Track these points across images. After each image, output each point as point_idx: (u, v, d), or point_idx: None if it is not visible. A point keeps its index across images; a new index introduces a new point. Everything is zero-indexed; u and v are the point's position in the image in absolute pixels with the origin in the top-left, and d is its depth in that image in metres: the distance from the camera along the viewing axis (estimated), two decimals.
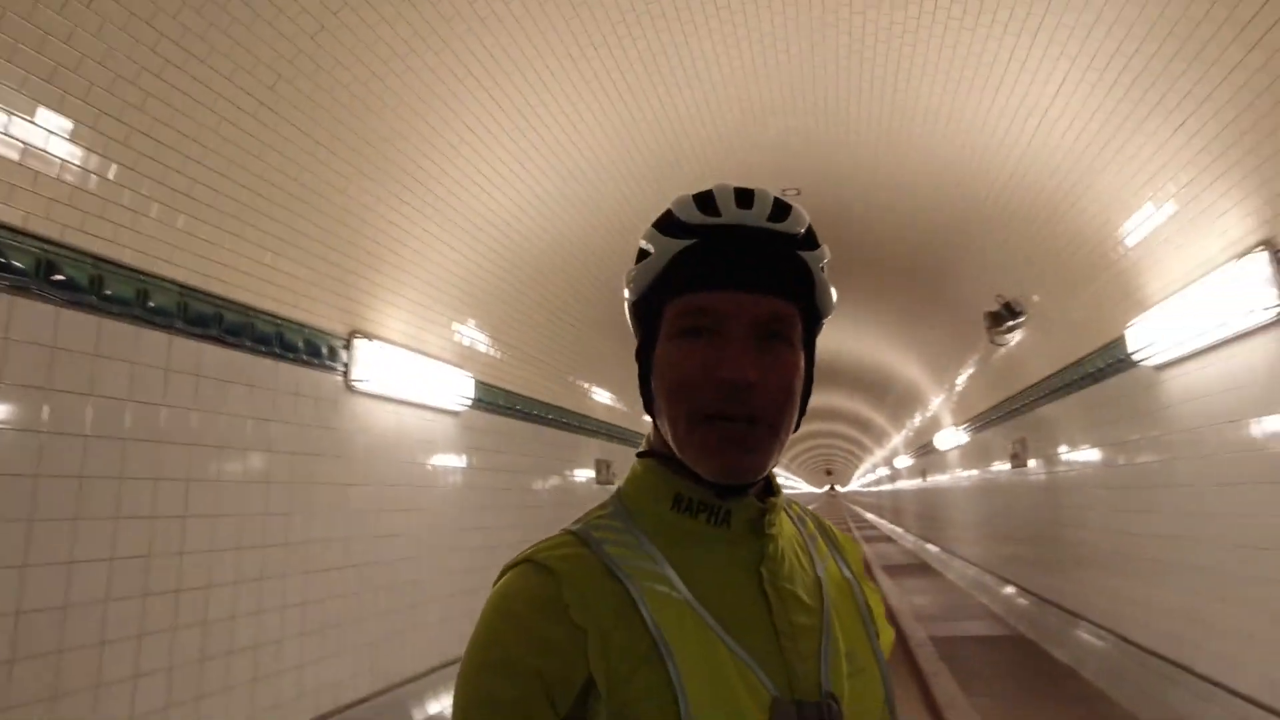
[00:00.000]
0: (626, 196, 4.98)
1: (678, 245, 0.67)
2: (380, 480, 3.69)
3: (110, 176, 2.27)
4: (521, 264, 4.83)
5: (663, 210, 0.70)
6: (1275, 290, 2.79)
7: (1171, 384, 3.78)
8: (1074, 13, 3.02)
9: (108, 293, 2.28)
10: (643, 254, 0.71)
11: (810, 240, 0.69)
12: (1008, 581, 7.78)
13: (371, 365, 3.52)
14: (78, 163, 2.17)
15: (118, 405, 2.31)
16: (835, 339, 10.00)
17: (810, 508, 0.86)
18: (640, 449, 0.76)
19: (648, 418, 0.74)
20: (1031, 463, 6.58)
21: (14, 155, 2.00)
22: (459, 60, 3.32)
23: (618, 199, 4.96)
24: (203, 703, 2.53)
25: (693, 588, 0.65)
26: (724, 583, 0.66)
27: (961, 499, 10.57)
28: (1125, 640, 4.60)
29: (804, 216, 0.69)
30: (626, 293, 0.73)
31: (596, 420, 6.97)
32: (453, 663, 4.16)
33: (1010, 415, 7.02)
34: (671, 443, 0.68)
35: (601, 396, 7.11)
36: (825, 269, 0.71)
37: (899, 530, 19.85)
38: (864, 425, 21.12)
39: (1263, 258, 2.82)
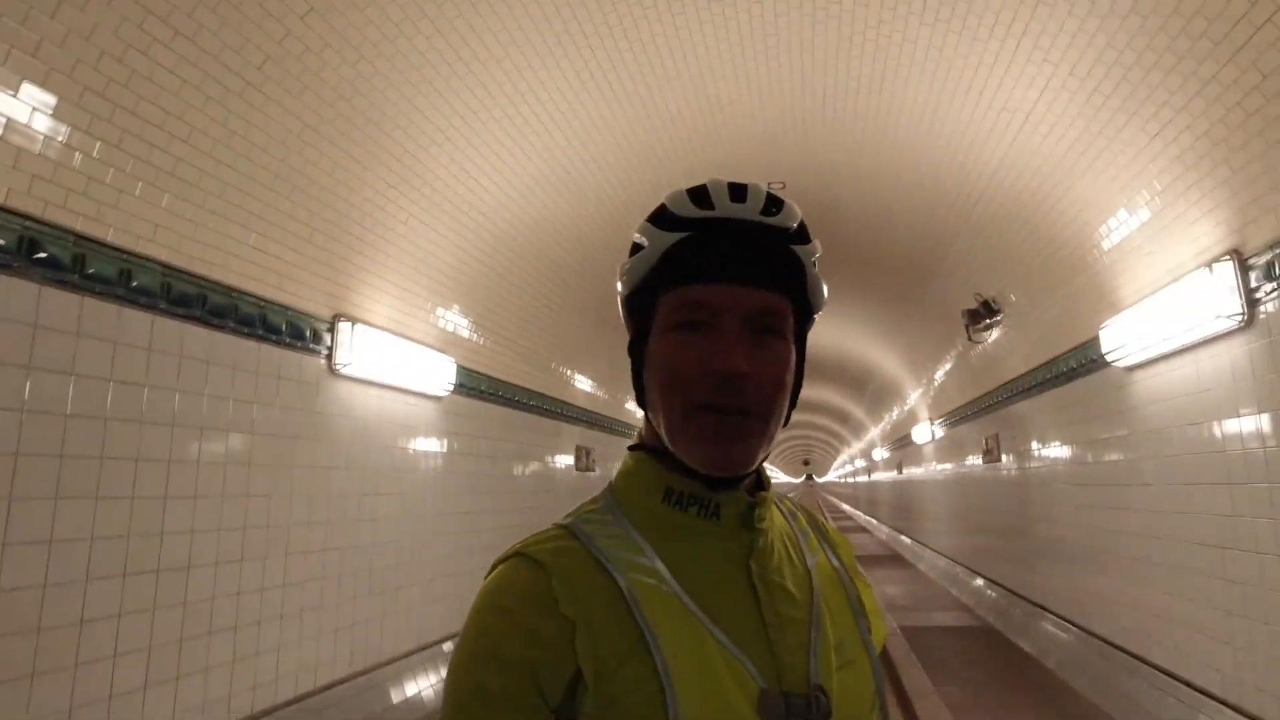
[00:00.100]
0: (613, 186, 4.99)
1: (671, 238, 0.68)
2: (362, 464, 3.69)
3: (94, 154, 2.25)
4: (506, 251, 4.83)
5: (654, 202, 0.71)
6: (1240, 299, 2.88)
7: (1141, 385, 3.88)
8: (1058, 20, 3.08)
9: (90, 271, 2.27)
10: (636, 248, 0.71)
11: (803, 235, 0.70)
12: (978, 574, 7.94)
13: (355, 349, 3.51)
14: (61, 139, 2.15)
15: (99, 385, 2.30)
16: (816, 331, 9.75)
17: (790, 496, 0.86)
18: (631, 443, 0.77)
19: (639, 411, 0.75)
20: (1004, 458, 6.71)
21: None
22: (449, 45, 3.30)
23: (604, 189, 4.97)
24: (182, 682, 2.55)
25: (682, 580, 0.65)
26: (713, 576, 0.67)
27: (935, 492, 10.73)
28: (1088, 632, 4.74)
29: (796, 211, 0.69)
30: (619, 286, 0.73)
31: (578, 407, 6.99)
32: (432, 645, 4.20)
33: (985, 411, 7.14)
34: (664, 435, 0.68)
35: (583, 384, 7.14)
36: (817, 264, 0.71)
37: (874, 521, 20.12)
38: (843, 417, 21.37)
39: (1230, 266, 2.91)
